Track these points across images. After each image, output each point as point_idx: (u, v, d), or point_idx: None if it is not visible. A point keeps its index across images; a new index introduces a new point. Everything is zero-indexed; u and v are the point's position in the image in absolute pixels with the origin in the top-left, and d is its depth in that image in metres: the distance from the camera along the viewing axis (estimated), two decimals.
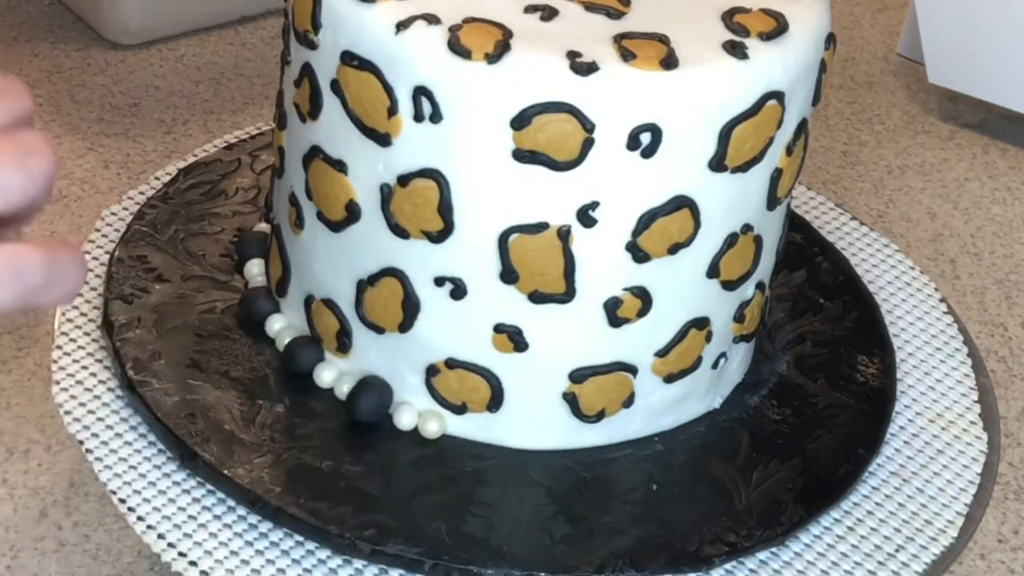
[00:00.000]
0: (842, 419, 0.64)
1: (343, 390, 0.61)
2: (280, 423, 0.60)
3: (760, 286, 0.63)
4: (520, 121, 0.53)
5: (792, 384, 0.66)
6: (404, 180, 0.56)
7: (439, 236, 0.56)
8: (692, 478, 0.61)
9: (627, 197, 0.55)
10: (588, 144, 0.54)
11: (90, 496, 0.65)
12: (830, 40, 0.59)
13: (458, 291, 0.57)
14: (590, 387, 0.59)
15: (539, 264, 0.56)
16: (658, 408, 0.62)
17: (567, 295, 0.57)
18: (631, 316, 0.58)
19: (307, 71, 0.58)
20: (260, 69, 0.86)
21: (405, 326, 0.59)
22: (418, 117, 0.54)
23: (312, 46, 0.57)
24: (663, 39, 0.54)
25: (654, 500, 0.59)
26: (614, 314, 0.58)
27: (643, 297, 0.58)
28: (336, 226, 0.59)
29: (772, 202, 0.60)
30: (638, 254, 0.56)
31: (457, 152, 0.55)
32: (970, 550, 0.64)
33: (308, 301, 0.62)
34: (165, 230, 0.69)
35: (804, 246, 0.74)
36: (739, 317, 0.62)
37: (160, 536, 0.56)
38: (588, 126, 0.53)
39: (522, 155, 0.54)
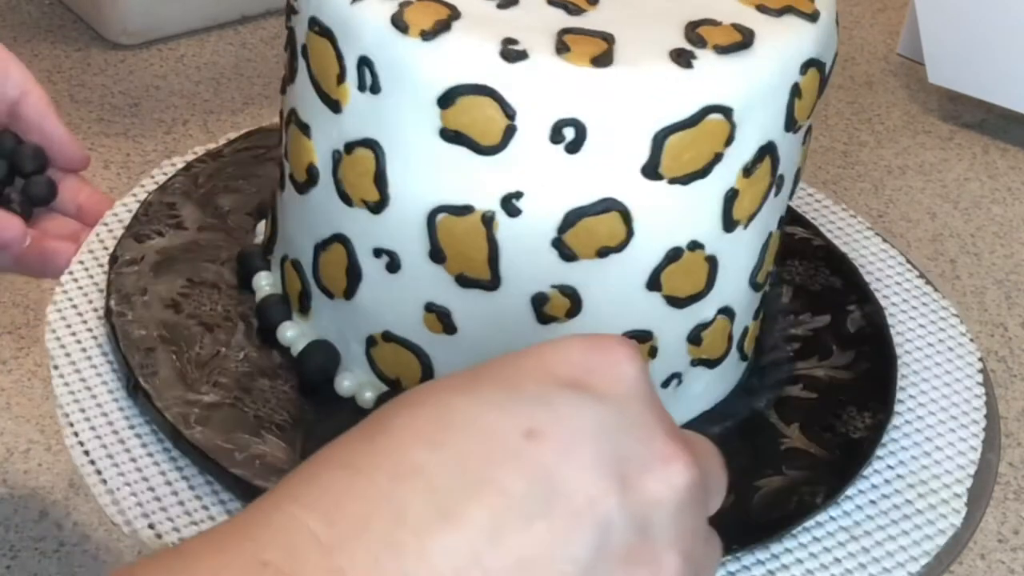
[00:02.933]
0: (801, 464, 0.62)
1: (298, 349, 0.63)
2: (238, 371, 0.62)
3: (727, 312, 0.61)
4: (446, 100, 0.54)
5: (763, 422, 0.64)
6: (349, 148, 0.57)
7: (376, 207, 0.57)
8: None
9: (552, 191, 0.55)
10: (510, 131, 0.54)
11: (90, 496, 0.65)
12: (812, 65, 0.57)
13: (393, 264, 0.58)
14: None
15: (464, 247, 0.56)
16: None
17: (492, 283, 0.57)
18: (560, 315, 0.58)
19: (291, 36, 0.60)
20: (260, 69, 0.87)
21: (349, 293, 0.60)
22: (361, 87, 0.56)
23: (293, 11, 0.59)
24: (607, 38, 0.54)
25: None
26: (541, 310, 0.57)
27: (572, 297, 0.57)
28: (301, 188, 0.61)
29: (729, 224, 0.58)
30: (564, 252, 0.56)
31: (391, 125, 0.56)
32: (970, 550, 0.64)
33: (283, 261, 0.64)
34: (205, 184, 0.72)
35: (841, 291, 0.72)
36: (694, 339, 0.61)
37: (158, 536, 0.57)
38: (509, 112, 0.53)
39: (448, 135, 0.54)
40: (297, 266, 0.63)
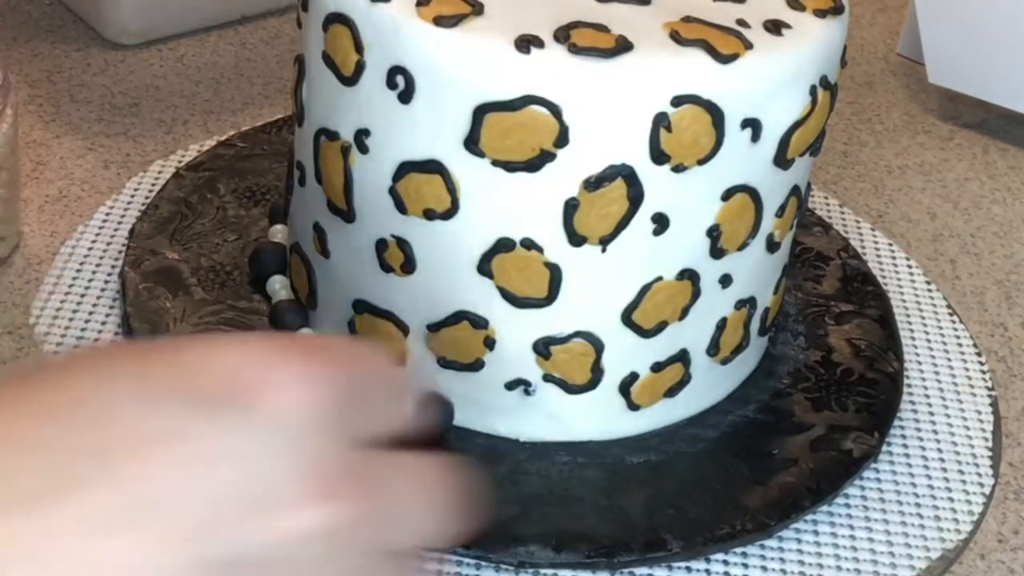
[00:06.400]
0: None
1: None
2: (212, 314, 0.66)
3: (586, 336, 0.59)
4: (325, 26, 0.57)
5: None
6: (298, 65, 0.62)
7: (297, 118, 0.62)
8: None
9: (390, 138, 0.56)
10: (360, 67, 0.56)
11: None
12: (690, 101, 0.54)
13: (302, 178, 0.62)
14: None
15: (331, 172, 0.59)
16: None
17: (348, 215, 0.59)
18: (396, 267, 0.58)
19: None
20: (260, 69, 0.85)
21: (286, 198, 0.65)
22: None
23: None
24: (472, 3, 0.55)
25: None
26: (382, 256, 0.58)
27: (406, 253, 0.57)
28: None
29: (573, 237, 0.56)
30: (398, 202, 0.57)
31: (308, 43, 0.60)
32: (970, 550, 0.62)
33: None
34: (246, 163, 0.75)
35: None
36: (544, 352, 0.59)
37: None
38: (360, 47, 0.55)
39: (325, 58, 0.58)
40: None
